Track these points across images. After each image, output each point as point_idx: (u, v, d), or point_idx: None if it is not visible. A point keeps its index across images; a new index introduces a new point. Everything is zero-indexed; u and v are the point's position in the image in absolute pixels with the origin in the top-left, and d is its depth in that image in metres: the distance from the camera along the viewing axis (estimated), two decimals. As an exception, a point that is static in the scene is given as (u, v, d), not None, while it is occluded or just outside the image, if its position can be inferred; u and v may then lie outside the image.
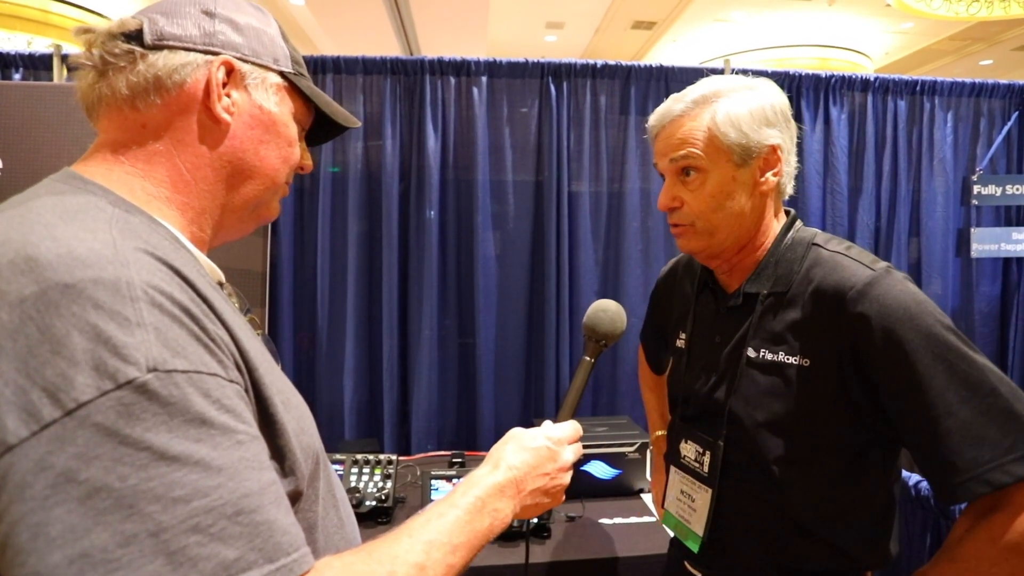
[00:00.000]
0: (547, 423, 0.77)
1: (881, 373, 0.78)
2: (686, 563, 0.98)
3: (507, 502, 0.64)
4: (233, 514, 0.43)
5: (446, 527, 0.57)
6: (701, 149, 0.87)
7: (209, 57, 0.58)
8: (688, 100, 0.89)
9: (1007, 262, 2.45)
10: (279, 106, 0.63)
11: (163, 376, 0.42)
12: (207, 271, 0.60)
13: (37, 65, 2.02)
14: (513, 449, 0.68)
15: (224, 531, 0.42)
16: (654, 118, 0.93)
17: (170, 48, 0.57)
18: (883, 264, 0.82)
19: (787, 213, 0.95)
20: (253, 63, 0.61)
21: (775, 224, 0.93)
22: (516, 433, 0.73)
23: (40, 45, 5.36)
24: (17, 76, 2.00)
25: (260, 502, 0.45)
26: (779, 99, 0.89)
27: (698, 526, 0.92)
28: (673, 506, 0.99)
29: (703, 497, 0.92)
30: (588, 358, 0.84)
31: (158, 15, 0.58)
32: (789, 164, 0.90)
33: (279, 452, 0.52)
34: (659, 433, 1.26)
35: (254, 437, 0.47)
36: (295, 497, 0.54)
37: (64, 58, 2.01)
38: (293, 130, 0.65)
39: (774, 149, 0.87)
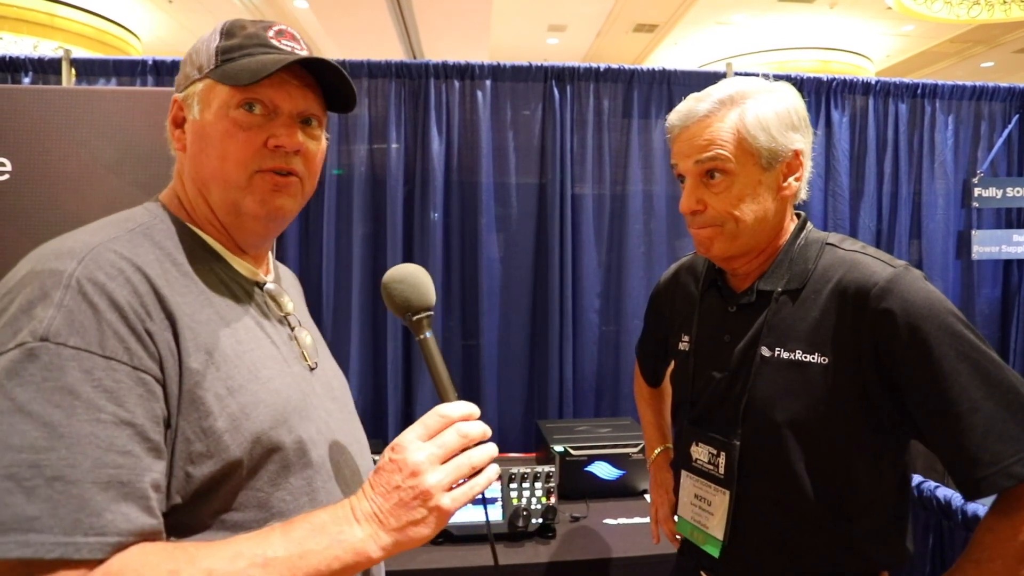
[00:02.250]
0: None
1: (905, 369, 0.77)
2: (702, 573, 0.96)
3: (361, 528, 0.57)
4: (51, 478, 0.47)
5: (257, 544, 0.54)
6: (730, 151, 0.85)
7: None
8: (713, 99, 0.86)
9: (1008, 264, 2.46)
10: (203, 112, 0.66)
11: (52, 347, 0.50)
12: (245, 273, 0.70)
13: (46, 69, 2.03)
14: (370, 476, 0.62)
15: (35, 489, 0.47)
16: (676, 117, 0.90)
17: None
18: (901, 262, 0.82)
19: (797, 216, 0.96)
20: (185, 88, 0.68)
21: (790, 228, 0.93)
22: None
23: (46, 49, 5.39)
24: (26, 80, 2.02)
25: (83, 478, 0.48)
26: (801, 104, 0.89)
27: (717, 530, 0.90)
28: (688, 512, 0.97)
29: (720, 499, 0.90)
30: (420, 337, 0.70)
31: None
32: (807, 169, 0.89)
33: (204, 433, 0.57)
34: (658, 451, 1.23)
35: (124, 422, 0.52)
36: (220, 476, 0.57)
37: (73, 62, 2.02)
38: (225, 124, 0.65)
39: (797, 154, 0.87)
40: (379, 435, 2.13)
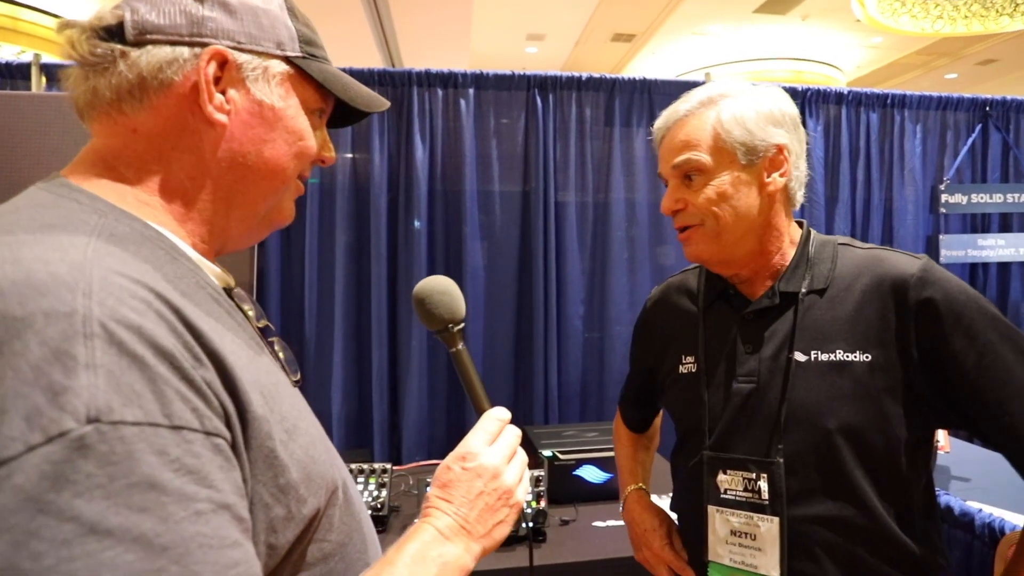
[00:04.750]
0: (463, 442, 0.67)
1: (951, 358, 0.77)
2: None
3: (454, 544, 0.55)
4: None
5: None
6: (704, 150, 0.84)
7: (197, 50, 0.51)
8: (694, 101, 0.86)
9: (974, 267, 2.56)
10: (285, 99, 0.55)
11: (106, 428, 0.35)
12: (215, 278, 0.55)
13: (15, 74, 1.99)
14: (436, 492, 0.60)
15: None
16: (659, 121, 0.90)
17: (153, 42, 0.50)
18: (922, 254, 0.84)
19: (800, 224, 0.94)
20: (251, 51, 0.53)
21: (791, 230, 0.90)
22: (436, 474, 0.64)
23: (8, 53, 5.25)
24: (-4, 86, 1.97)
25: None
26: (787, 104, 0.87)
27: (770, 566, 0.81)
28: (723, 554, 0.86)
29: (769, 529, 0.81)
30: (453, 349, 0.69)
31: (140, 3, 0.50)
32: (798, 168, 0.87)
33: (282, 492, 0.46)
34: (631, 489, 1.11)
35: (221, 506, 0.39)
36: (299, 538, 0.49)
37: (43, 67, 1.98)
38: (303, 122, 0.57)
39: (780, 149, 0.84)
40: (365, 444, 2.11)
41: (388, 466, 1.55)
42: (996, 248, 2.53)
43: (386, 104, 0.65)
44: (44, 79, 1.99)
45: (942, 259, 2.48)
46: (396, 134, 2.12)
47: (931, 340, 0.78)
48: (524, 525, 1.41)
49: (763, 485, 0.82)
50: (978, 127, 2.52)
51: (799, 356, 0.83)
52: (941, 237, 2.49)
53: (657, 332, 1.04)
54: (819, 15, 6.10)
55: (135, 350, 0.38)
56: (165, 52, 0.50)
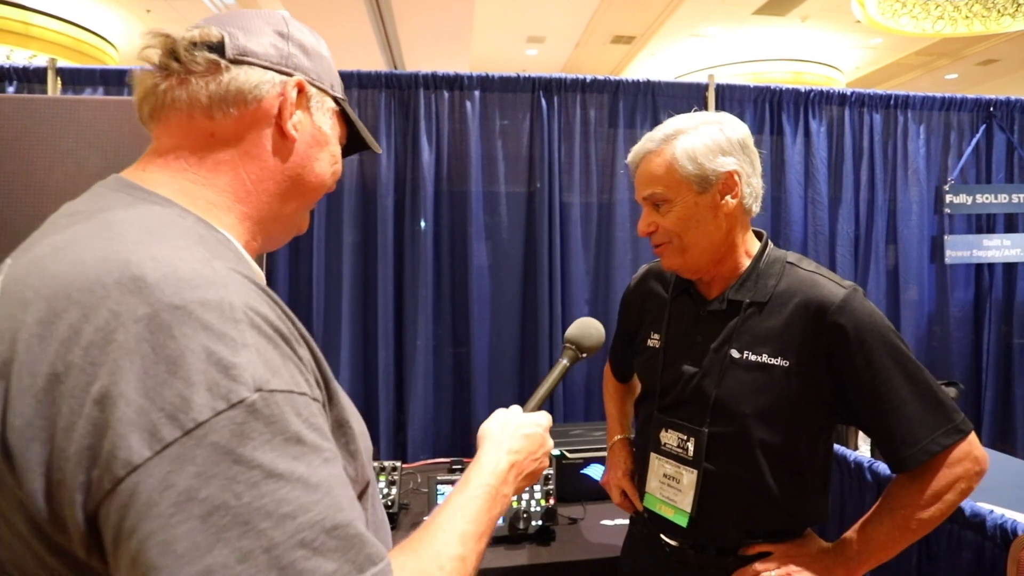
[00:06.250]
0: (516, 408, 0.80)
1: (851, 371, 0.95)
2: (662, 535, 1.09)
3: (510, 486, 0.68)
4: (331, 528, 0.45)
5: (471, 516, 0.61)
6: (664, 184, 1.01)
7: (284, 77, 0.62)
8: (656, 139, 1.03)
9: (979, 268, 2.55)
10: (332, 129, 0.68)
11: (266, 396, 0.44)
12: (256, 277, 0.60)
13: (31, 78, 2.01)
14: (512, 435, 0.73)
15: (324, 545, 0.44)
16: (631, 155, 1.07)
17: (249, 64, 0.60)
18: (849, 283, 1.00)
19: (759, 235, 1.09)
20: (317, 87, 0.66)
21: (748, 241, 1.07)
22: (509, 418, 0.77)
23: (19, 58, 5.29)
24: (11, 89, 1.99)
25: (350, 516, 0.46)
26: (736, 131, 1.02)
27: (685, 503, 1.05)
28: (656, 489, 1.10)
29: (689, 477, 1.04)
30: (566, 363, 0.92)
31: (236, 30, 0.61)
32: (750, 186, 1.02)
33: (353, 456, 0.55)
34: (618, 437, 1.34)
35: (336, 455, 0.49)
36: (361, 498, 0.56)
37: (58, 72, 2.00)
38: (338, 149, 0.70)
39: (730, 175, 1.00)
40: (371, 443, 2.12)
41: (398, 464, 1.56)
42: (1002, 248, 2.53)
43: (379, 149, 0.80)
44: (60, 83, 2.01)
45: (947, 260, 2.48)
46: (402, 136, 2.14)
47: (837, 357, 0.96)
48: (533, 523, 1.42)
49: (691, 446, 1.04)
50: (982, 127, 2.52)
51: (734, 353, 1.02)
52: (946, 238, 2.49)
53: (635, 308, 1.24)
54: (819, 16, 6.12)
55: (267, 332, 0.47)
56: (259, 73, 0.61)
